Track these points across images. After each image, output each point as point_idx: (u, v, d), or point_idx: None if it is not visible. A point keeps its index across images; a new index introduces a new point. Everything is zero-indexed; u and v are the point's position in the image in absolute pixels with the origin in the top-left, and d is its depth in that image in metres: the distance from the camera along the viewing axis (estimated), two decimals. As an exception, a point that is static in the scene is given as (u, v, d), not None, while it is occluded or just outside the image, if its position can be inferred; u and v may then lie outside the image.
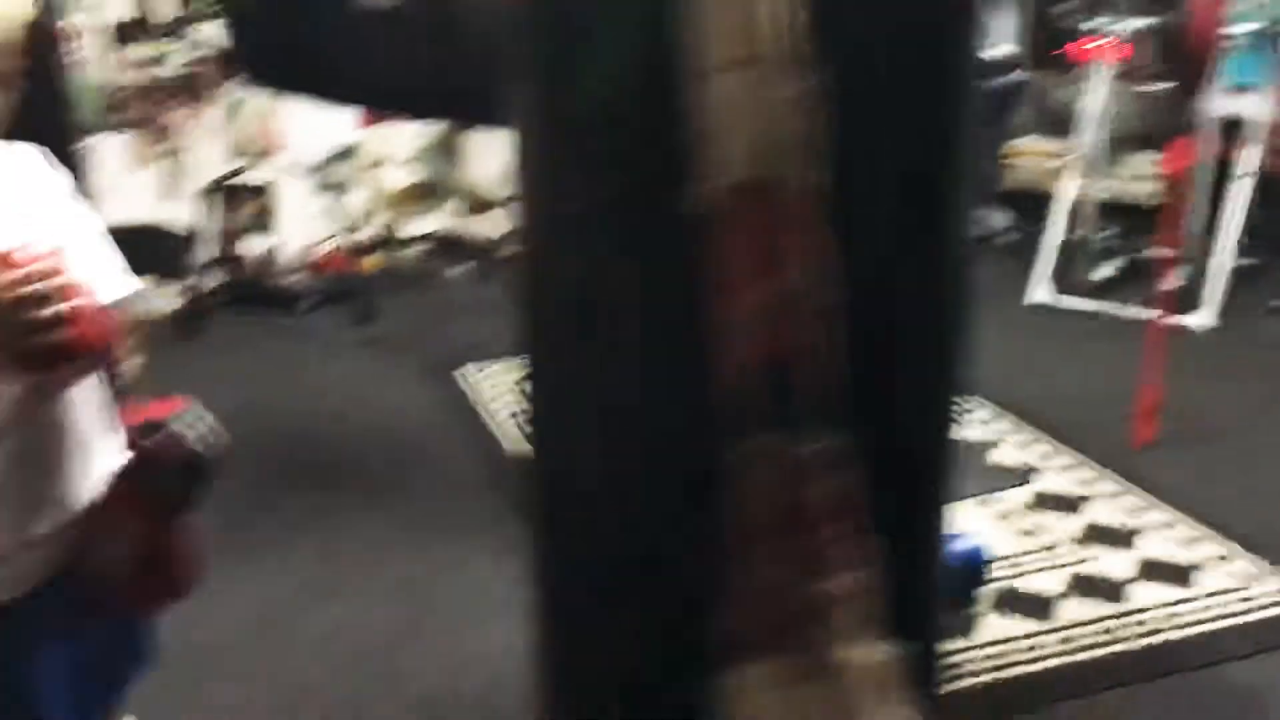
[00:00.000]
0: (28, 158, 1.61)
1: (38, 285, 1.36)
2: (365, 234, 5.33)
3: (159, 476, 1.50)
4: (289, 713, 2.42)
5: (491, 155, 5.54)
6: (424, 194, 5.50)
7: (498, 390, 4.00)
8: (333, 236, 5.25)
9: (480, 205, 5.50)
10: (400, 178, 5.44)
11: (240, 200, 5.08)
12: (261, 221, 5.20)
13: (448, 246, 5.43)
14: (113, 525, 1.52)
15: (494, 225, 5.60)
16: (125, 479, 1.50)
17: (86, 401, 1.60)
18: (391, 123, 5.32)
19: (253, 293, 4.88)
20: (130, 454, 1.50)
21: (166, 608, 1.61)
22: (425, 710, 2.43)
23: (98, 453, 1.61)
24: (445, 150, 5.42)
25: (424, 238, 5.49)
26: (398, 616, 2.75)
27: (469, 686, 2.50)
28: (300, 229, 5.27)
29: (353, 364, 4.30)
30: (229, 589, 2.61)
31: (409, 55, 2.63)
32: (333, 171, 5.21)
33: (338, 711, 2.42)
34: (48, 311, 1.36)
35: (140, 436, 1.50)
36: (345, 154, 5.29)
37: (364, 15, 2.65)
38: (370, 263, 5.28)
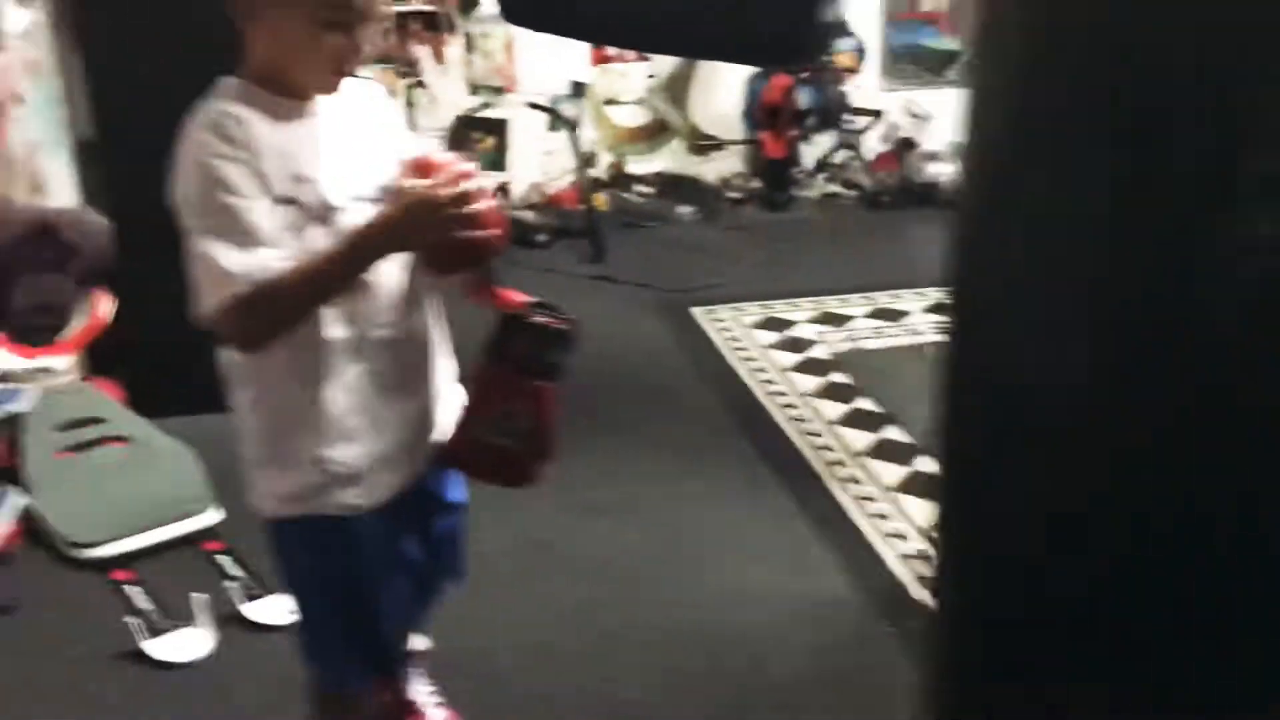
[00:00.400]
0: (377, 90, 1.71)
1: (461, 187, 1.49)
2: (595, 172, 5.41)
3: (546, 348, 1.61)
4: (559, 629, 2.52)
5: (718, 96, 5.55)
6: (652, 133, 5.54)
7: (735, 332, 4.02)
8: (564, 174, 5.35)
9: (706, 146, 5.50)
10: (629, 116, 5.48)
11: (478, 136, 5.21)
12: (497, 157, 5.34)
13: (674, 186, 5.45)
14: (503, 396, 1.61)
15: (719, 167, 5.61)
16: (510, 351, 1.61)
17: (438, 320, 1.70)
18: (622, 61, 5.37)
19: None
20: (513, 327, 1.62)
21: (537, 479, 1.70)
22: (691, 640, 2.49)
23: (442, 370, 1.71)
24: (673, 90, 5.43)
25: (651, 177, 5.53)
26: (658, 544, 2.83)
27: (735, 619, 2.55)
28: (532, 166, 5.39)
29: (591, 299, 4.38)
30: (503, 508, 2.71)
31: None
32: (565, 108, 5.29)
33: (606, 632, 2.51)
34: (469, 210, 1.49)
35: (526, 313, 1.61)
36: (577, 92, 5.36)
37: None
38: (599, 200, 5.36)
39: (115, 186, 3.39)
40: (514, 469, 1.73)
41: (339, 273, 1.50)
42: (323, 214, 1.51)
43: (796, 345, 3.92)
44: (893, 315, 4.19)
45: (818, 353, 3.87)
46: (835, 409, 3.48)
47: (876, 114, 5.53)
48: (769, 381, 3.66)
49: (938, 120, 5.65)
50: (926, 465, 3.16)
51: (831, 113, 5.20)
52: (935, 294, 4.32)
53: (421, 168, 1.53)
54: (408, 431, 1.68)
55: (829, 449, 3.26)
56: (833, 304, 4.27)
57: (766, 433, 3.35)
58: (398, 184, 1.52)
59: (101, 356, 3.44)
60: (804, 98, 5.11)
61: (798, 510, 2.97)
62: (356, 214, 1.53)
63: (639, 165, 5.52)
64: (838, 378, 3.68)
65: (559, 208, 5.30)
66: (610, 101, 5.43)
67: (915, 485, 3.07)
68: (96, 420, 3.14)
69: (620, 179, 5.47)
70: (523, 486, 1.74)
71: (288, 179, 1.47)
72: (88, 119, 3.93)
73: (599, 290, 4.51)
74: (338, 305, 1.52)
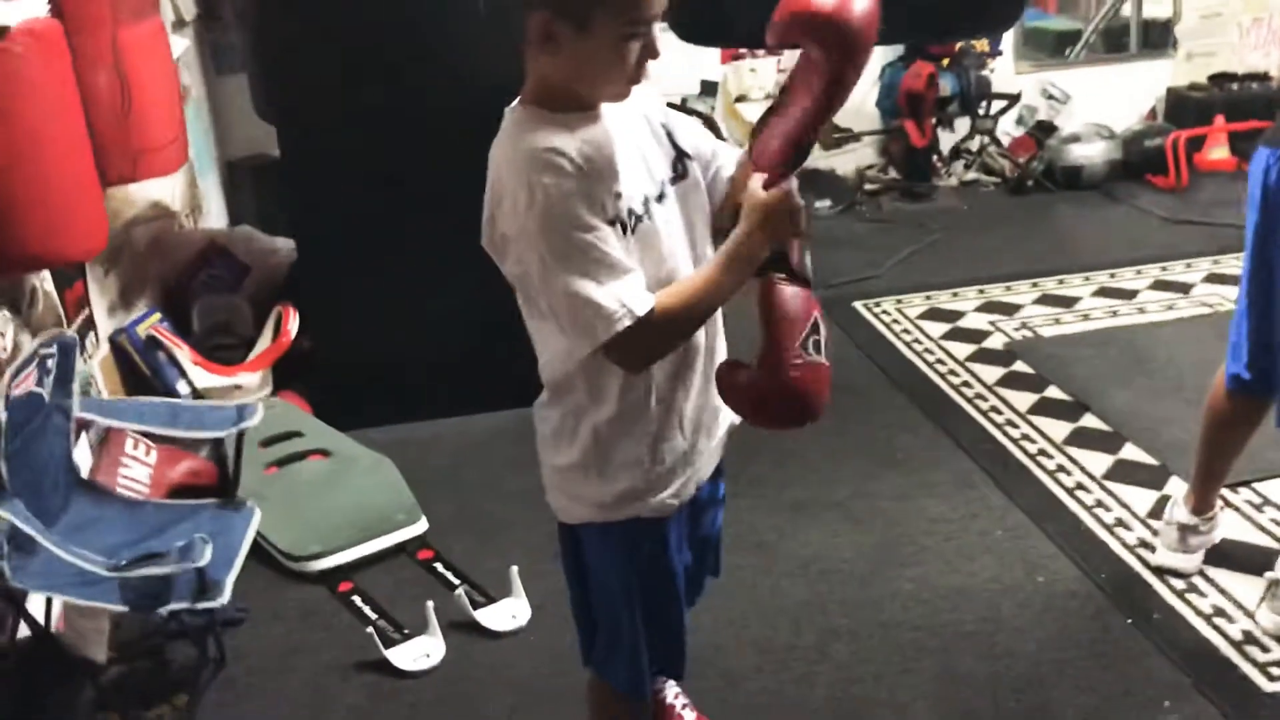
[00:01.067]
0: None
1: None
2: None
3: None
4: (787, 629, 2.49)
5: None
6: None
7: (904, 325, 3.96)
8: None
9: (840, 139, 5.45)
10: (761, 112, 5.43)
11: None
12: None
13: (810, 180, 5.40)
14: (807, 311, 1.55)
15: (854, 158, 5.54)
16: (800, 270, 1.56)
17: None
18: (754, 57, 5.34)
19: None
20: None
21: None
22: (923, 637, 2.44)
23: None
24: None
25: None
26: (872, 542, 2.79)
27: (964, 615, 2.50)
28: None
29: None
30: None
31: None
32: (700, 107, 5.27)
33: (832, 630, 2.48)
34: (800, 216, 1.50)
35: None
36: (708, 90, 5.34)
37: None
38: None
39: (297, 207, 3.42)
40: (823, 391, 1.57)
41: (727, 289, 1.50)
42: (632, 224, 1.49)
43: (969, 336, 3.85)
44: (1062, 301, 4.09)
45: (993, 343, 3.80)
46: (1025, 399, 3.40)
47: (1015, 98, 5.42)
48: (952, 373, 3.59)
49: (1076, 101, 5.54)
50: (1133, 452, 3.08)
51: (973, 98, 5.11)
52: (1100, 277, 4.24)
53: (746, 169, 1.53)
54: (710, 427, 1.67)
55: (1029, 439, 3.18)
56: (997, 292, 4.19)
57: (962, 425, 3.29)
58: (751, 195, 1.51)
59: (289, 372, 3.49)
60: (947, 84, 5.03)
61: (1009, 503, 2.90)
62: (654, 216, 1.51)
63: (772, 161, 5.47)
64: (1020, 367, 3.60)
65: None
66: (741, 98, 5.40)
67: (1125, 473, 2.99)
68: (295, 434, 3.19)
69: (754, 176, 5.43)
70: (818, 417, 1.66)
71: (611, 198, 1.46)
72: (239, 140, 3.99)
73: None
74: None
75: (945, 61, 5.08)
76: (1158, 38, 5.60)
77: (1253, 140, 5.52)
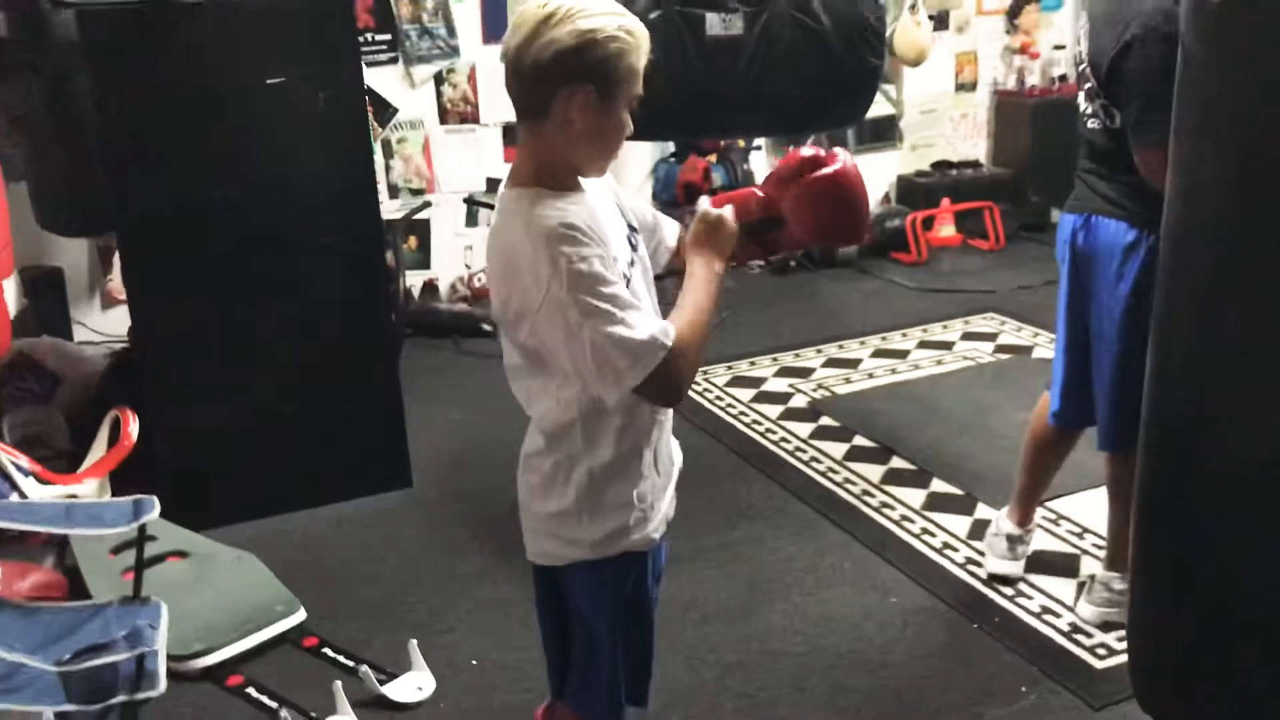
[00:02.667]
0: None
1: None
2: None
3: None
4: (685, 666, 2.67)
5: (623, 181, 5.85)
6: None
7: (714, 392, 4.26)
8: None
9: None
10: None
11: (404, 234, 5.32)
12: (421, 256, 5.47)
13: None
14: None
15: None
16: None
17: None
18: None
19: (431, 321, 5.12)
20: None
21: None
22: (810, 662, 2.68)
23: None
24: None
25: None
26: (741, 585, 3.01)
27: (838, 640, 2.76)
28: (455, 261, 5.54)
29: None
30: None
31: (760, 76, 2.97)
32: (480, 205, 5.47)
33: (728, 666, 2.67)
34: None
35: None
36: (494, 187, 5.55)
37: (713, 42, 2.97)
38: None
39: (137, 309, 3.34)
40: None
41: (712, 309, 1.72)
42: (626, 283, 1.66)
43: (775, 398, 4.20)
44: (847, 363, 4.53)
45: (797, 402, 4.16)
46: (838, 448, 3.76)
47: (769, 187, 5.94)
48: (770, 431, 3.91)
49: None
50: (942, 486, 3.47)
51: (741, 187, 5.57)
52: (873, 341, 4.72)
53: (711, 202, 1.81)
54: (669, 469, 1.86)
55: (851, 482, 3.53)
56: (788, 359, 4.58)
57: (790, 476, 3.59)
58: (704, 214, 1.75)
59: (124, 477, 3.37)
60: (718, 175, 5.47)
61: (850, 538, 3.21)
62: (632, 280, 1.70)
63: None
64: (826, 421, 3.97)
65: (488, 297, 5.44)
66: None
67: (939, 503, 3.38)
68: (148, 539, 3.08)
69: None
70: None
71: (612, 260, 1.63)
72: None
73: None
74: None
75: (713, 157, 5.54)
76: (885, 131, 6.31)
77: (975, 218, 6.23)
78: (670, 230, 1.93)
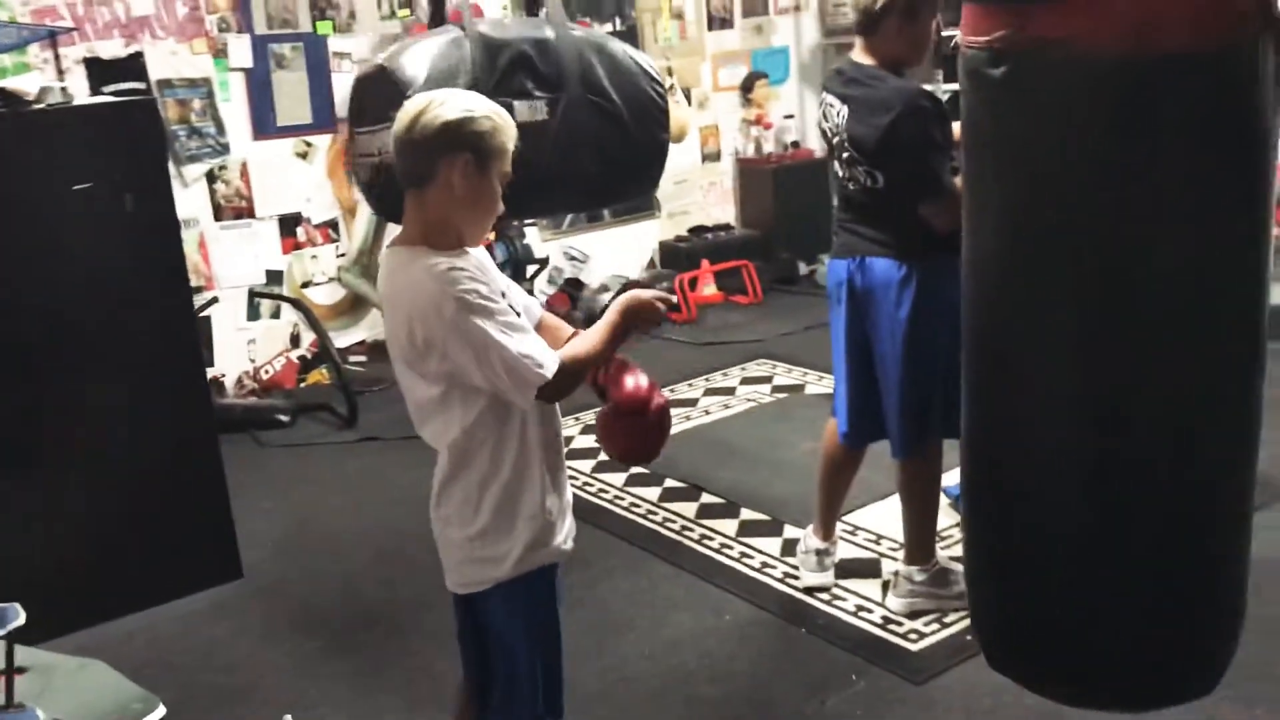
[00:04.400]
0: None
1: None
2: (302, 350, 5.65)
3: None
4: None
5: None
6: (351, 306, 5.87)
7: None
8: (279, 356, 5.54)
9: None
10: (326, 295, 5.78)
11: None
12: (205, 352, 5.42)
13: (384, 350, 5.78)
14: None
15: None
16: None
17: None
18: (312, 245, 5.70)
19: (226, 417, 5.09)
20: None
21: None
22: (659, 686, 2.93)
23: None
24: (363, 264, 5.81)
25: (358, 346, 5.84)
26: (585, 622, 3.21)
27: (683, 659, 3.02)
28: (239, 355, 5.52)
29: (364, 458, 4.64)
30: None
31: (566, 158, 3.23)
32: (267, 296, 5.51)
33: (582, 698, 2.88)
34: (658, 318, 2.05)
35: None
36: (275, 277, 5.60)
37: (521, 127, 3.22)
38: (314, 376, 5.60)
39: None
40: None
41: (603, 356, 2.04)
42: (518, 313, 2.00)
43: (583, 454, 4.45)
44: (644, 415, 4.84)
45: (605, 455, 4.42)
46: (651, 492, 4.05)
47: (544, 261, 6.25)
48: (587, 484, 4.16)
49: (593, 259, 6.51)
50: (750, 514, 3.82)
51: (521, 263, 5.85)
52: (665, 392, 5.06)
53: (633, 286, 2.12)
54: (564, 488, 2.10)
55: (670, 521, 3.82)
56: (589, 416, 4.85)
57: (613, 521, 3.85)
58: (634, 295, 2.07)
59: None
60: (499, 252, 5.71)
61: (678, 570, 3.49)
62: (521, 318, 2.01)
63: (343, 338, 5.81)
64: (636, 469, 4.25)
65: (281, 389, 5.46)
66: (306, 284, 5.71)
67: (751, 529, 3.71)
68: (-21, 657, 2.98)
69: (328, 352, 5.73)
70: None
71: (500, 296, 1.94)
72: None
73: (368, 450, 4.76)
74: None
75: (493, 234, 5.78)
76: (642, 203, 6.75)
77: (733, 276, 6.70)
78: (533, 304, 2.22)
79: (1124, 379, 1.72)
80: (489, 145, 1.92)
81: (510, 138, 1.95)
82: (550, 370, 1.90)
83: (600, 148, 3.22)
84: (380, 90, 3.04)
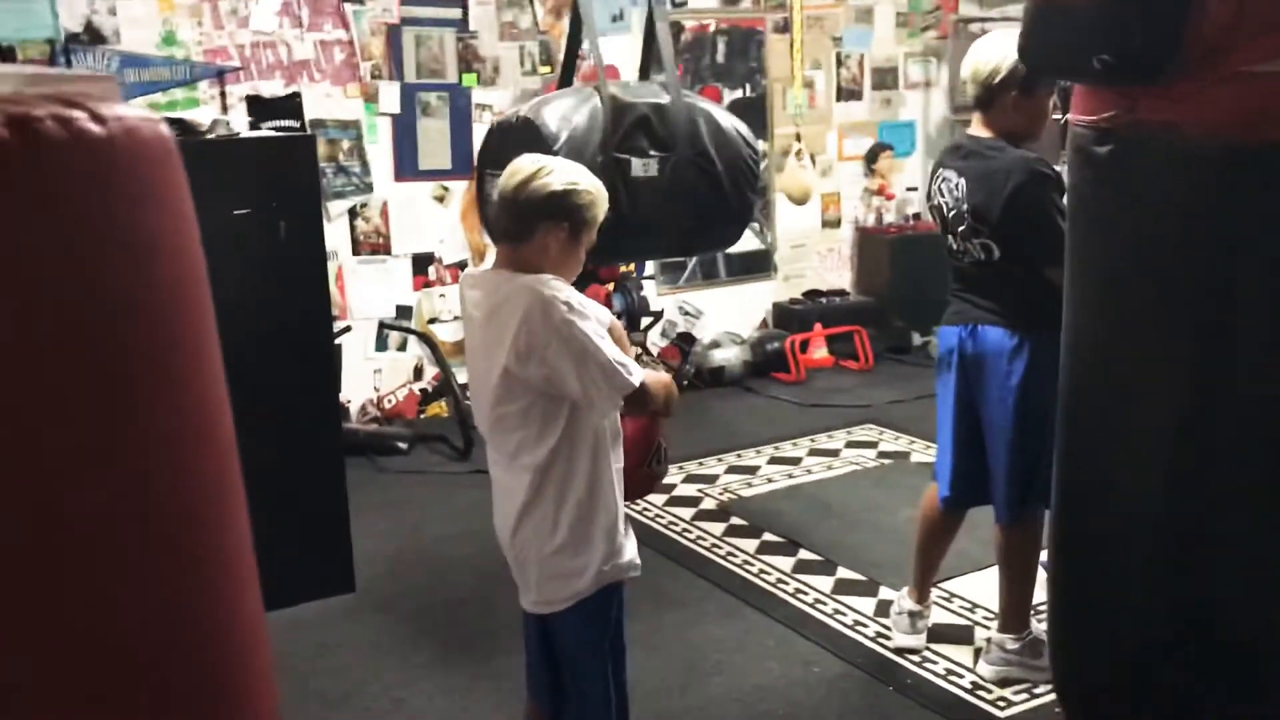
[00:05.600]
0: None
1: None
2: (424, 383, 5.89)
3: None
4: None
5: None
6: (472, 345, 6.09)
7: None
8: (402, 387, 5.79)
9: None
10: (451, 333, 6.02)
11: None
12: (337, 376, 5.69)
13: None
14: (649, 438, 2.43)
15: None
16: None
17: None
18: (441, 284, 5.96)
19: (349, 440, 5.33)
20: None
21: None
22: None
23: None
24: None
25: (476, 384, 6.06)
26: (679, 665, 3.31)
27: (771, 707, 3.09)
28: (365, 384, 5.79)
29: (472, 492, 4.79)
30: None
31: (674, 208, 3.45)
32: (396, 329, 5.77)
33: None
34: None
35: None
36: (405, 312, 5.86)
37: (634, 182, 3.44)
38: (439, 407, 5.83)
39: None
40: (655, 485, 2.57)
41: (653, 402, 2.21)
42: None
43: (686, 502, 4.56)
44: (748, 470, 4.94)
45: (706, 505, 4.53)
46: (749, 544, 4.13)
47: (659, 314, 6.41)
48: (685, 531, 4.26)
49: (707, 316, 6.64)
50: (846, 573, 3.86)
51: (637, 314, 6.01)
52: (768, 450, 5.14)
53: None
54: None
55: (765, 573, 3.89)
56: (693, 467, 4.96)
57: (709, 568, 3.94)
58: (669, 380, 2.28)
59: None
60: (617, 303, 5.89)
61: (770, 620, 3.56)
62: None
63: (464, 374, 6.02)
64: (736, 521, 4.34)
65: (402, 418, 5.70)
66: (433, 320, 5.97)
67: (846, 588, 3.76)
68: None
69: (450, 387, 5.96)
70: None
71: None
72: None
73: (479, 482, 4.92)
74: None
75: (612, 285, 5.97)
76: (759, 264, 6.88)
77: (845, 341, 6.75)
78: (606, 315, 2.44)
79: (1211, 440, 1.77)
80: (585, 217, 2.13)
81: (603, 210, 2.17)
82: (637, 380, 2.08)
83: (697, 202, 3.47)
84: (523, 139, 3.28)
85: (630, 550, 2.23)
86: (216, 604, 0.94)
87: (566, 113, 3.42)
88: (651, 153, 3.53)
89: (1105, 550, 1.90)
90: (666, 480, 4.76)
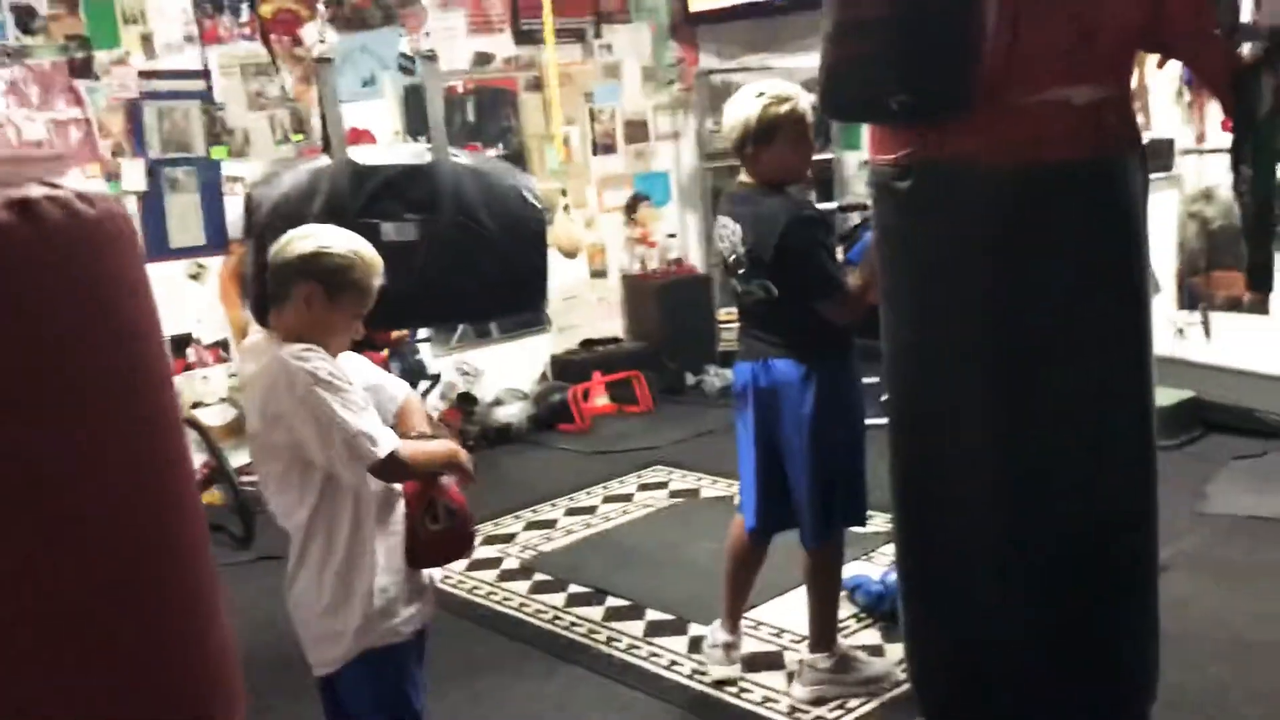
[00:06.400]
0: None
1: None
2: (195, 471, 5.58)
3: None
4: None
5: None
6: (243, 427, 5.83)
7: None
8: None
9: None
10: (218, 415, 5.75)
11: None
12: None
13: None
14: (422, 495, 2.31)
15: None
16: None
17: None
18: (203, 365, 5.69)
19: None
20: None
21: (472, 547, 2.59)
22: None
23: None
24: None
25: (251, 465, 5.79)
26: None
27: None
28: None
29: (257, 581, 4.59)
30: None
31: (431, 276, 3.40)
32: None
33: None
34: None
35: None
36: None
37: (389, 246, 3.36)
38: (208, 496, 5.52)
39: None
40: (457, 544, 2.41)
41: (432, 467, 2.25)
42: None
43: (488, 564, 4.50)
44: (545, 524, 4.93)
45: (510, 564, 4.49)
46: (557, 598, 4.12)
47: (437, 377, 6.34)
48: (492, 593, 4.21)
49: (486, 374, 6.62)
50: (655, 614, 3.91)
51: (414, 378, 5.91)
52: (563, 502, 5.16)
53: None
54: (415, 572, 2.28)
55: (577, 625, 3.89)
56: (489, 528, 4.91)
57: (522, 629, 3.90)
58: (459, 450, 2.31)
59: None
60: (395, 367, 5.78)
61: (589, 672, 3.56)
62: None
63: (235, 458, 5.75)
64: (541, 576, 4.33)
65: (173, 511, 5.38)
66: (197, 405, 5.68)
67: (657, 629, 3.81)
68: None
69: (221, 473, 5.67)
70: (467, 555, 2.59)
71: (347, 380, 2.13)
72: None
73: (267, 569, 4.71)
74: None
75: (386, 352, 5.86)
76: (532, 318, 6.91)
77: (624, 386, 6.86)
78: (396, 387, 2.46)
79: (1031, 459, 1.93)
80: (340, 280, 2.15)
81: (371, 274, 2.19)
82: (384, 451, 2.09)
83: (473, 266, 3.43)
84: (245, 211, 3.31)
85: (403, 614, 2.24)
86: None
87: (282, 182, 3.38)
88: (407, 216, 3.49)
89: (946, 557, 2.03)
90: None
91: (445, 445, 2.32)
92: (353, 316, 2.20)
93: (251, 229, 3.29)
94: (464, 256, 3.46)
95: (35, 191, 0.74)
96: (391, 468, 2.12)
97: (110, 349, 0.85)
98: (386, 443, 2.09)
